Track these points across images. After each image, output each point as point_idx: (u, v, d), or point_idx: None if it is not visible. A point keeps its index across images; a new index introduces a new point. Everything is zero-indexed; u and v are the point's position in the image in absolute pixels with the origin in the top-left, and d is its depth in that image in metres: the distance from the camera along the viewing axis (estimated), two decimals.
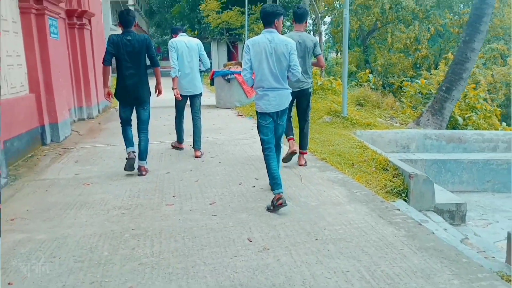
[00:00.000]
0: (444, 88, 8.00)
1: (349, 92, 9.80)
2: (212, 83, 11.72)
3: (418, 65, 20.14)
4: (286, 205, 3.41)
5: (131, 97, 4.63)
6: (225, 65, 20.72)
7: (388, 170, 5.25)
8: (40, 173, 4.88)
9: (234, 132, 7.29)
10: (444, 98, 7.96)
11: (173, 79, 5.35)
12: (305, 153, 5.01)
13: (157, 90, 4.89)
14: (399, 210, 3.57)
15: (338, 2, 22.85)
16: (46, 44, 6.32)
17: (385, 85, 19.45)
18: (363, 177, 4.88)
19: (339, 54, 30.42)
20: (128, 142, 4.80)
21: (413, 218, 3.49)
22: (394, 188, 4.86)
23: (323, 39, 39.21)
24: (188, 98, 5.53)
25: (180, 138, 5.90)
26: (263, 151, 3.74)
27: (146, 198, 3.90)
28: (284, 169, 4.75)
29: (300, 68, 3.70)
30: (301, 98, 4.79)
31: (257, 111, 3.77)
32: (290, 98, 3.78)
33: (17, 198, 4.05)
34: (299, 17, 4.69)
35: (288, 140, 4.81)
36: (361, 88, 10.84)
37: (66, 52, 8.38)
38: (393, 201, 4.58)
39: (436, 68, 20.04)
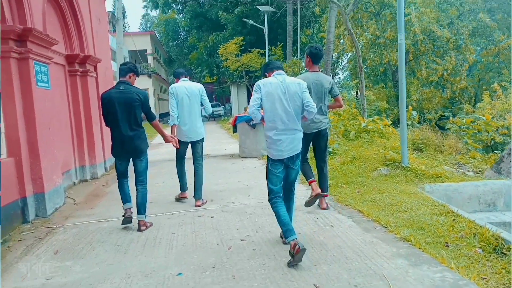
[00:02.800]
0: None
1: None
2: (234, 130, 10.35)
3: (456, 99, 18.45)
4: (305, 249, 3.12)
5: (126, 150, 4.40)
6: (245, 109, 19.66)
7: (504, 254, 3.53)
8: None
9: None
10: None
11: (171, 127, 5.20)
12: (327, 196, 4.83)
13: (167, 141, 4.83)
14: None
15: (361, 37, 21.73)
16: (31, 95, 5.07)
17: (421, 122, 17.75)
18: (471, 268, 3.18)
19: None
20: (124, 196, 4.53)
21: None
22: None
23: (342, 76, 38.02)
24: (190, 145, 5.29)
25: (183, 186, 5.38)
26: (269, 200, 3.51)
27: None
28: (354, 263, 3.14)
29: (315, 105, 3.53)
30: (319, 139, 4.67)
31: (268, 157, 3.54)
32: (301, 141, 3.55)
33: None
34: (316, 58, 4.52)
35: (310, 183, 4.55)
36: (413, 128, 9.23)
37: (65, 103, 7.20)
38: None
39: (476, 101, 18.34)
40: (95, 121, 8.04)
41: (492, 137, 9.61)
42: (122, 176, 4.53)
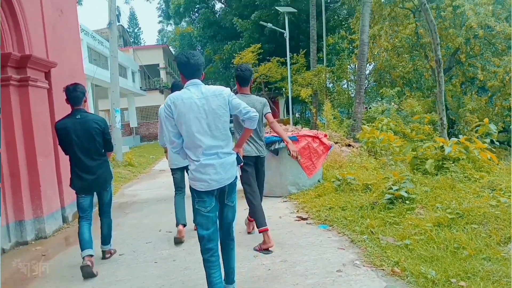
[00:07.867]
0: None
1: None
2: None
3: None
4: None
5: (88, 184, 3.96)
6: (265, 125, 17.01)
7: None
8: None
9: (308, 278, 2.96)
10: None
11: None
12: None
13: None
14: None
15: (396, 39, 18.76)
16: None
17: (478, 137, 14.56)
18: None
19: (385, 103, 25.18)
20: (83, 242, 3.87)
21: None
22: None
23: (367, 85, 34.77)
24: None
25: (178, 218, 4.53)
26: (202, 253, 2.77)
27: None
28: None
29: (254, 109, 2.85)
30: (257, 166, 4.21)
31: (192, 189, 2.76)
32: (236, 165, 2.81)
33: None
34: (244, 80, 4.18)
35: (261, 231, 3.86)
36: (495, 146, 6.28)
37: None
38: None
39: None
40: (42, 152, 5.47)
41: None
42: (84, 215, 4.03)
